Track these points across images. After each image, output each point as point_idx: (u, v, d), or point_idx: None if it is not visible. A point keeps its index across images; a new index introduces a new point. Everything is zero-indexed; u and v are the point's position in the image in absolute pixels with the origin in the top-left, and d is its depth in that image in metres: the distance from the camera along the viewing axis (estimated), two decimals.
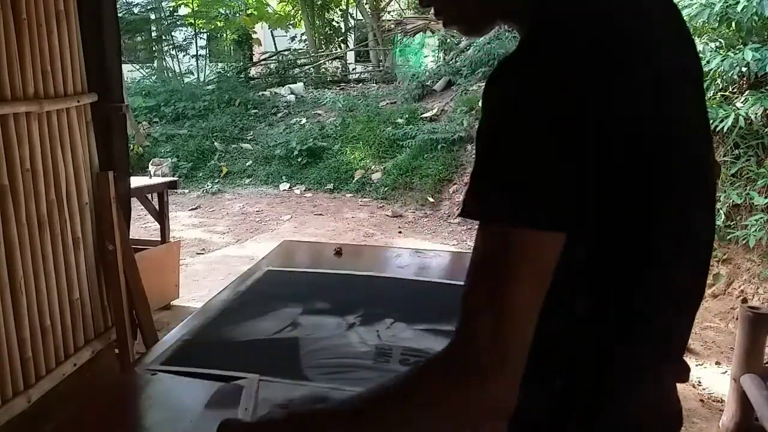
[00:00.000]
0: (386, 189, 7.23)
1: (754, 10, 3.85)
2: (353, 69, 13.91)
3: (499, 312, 0.58)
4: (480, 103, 0.65)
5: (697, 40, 3.67)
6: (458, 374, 0.59)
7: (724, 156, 4.10)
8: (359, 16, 14.85)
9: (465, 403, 0.59)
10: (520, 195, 0.59)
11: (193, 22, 12.23)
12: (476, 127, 0.65)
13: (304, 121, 9.29)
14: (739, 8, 3.87)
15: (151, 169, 7.93)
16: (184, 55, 12.31)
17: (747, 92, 4.10)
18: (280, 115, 9.81)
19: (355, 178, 7.64)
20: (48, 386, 2.14)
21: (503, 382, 0.58)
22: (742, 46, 4.02)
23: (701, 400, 2.86)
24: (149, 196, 3.90)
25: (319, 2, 14.44)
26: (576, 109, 0.59)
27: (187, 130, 9.21)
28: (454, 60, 9.30)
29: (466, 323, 0.60)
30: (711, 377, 3.07)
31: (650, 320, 0.68)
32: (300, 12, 14.42)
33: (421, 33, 11.08)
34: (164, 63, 12.53)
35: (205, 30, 12.79)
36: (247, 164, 8.47)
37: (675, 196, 0.66)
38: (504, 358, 0.58)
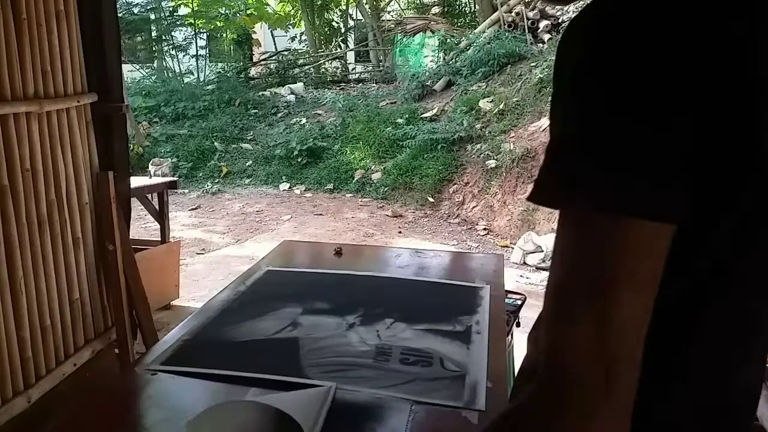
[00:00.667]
0: (386, 189, 7.23)
1: None
2: (353, 69, 13.93)
3: (607, 327, 0.46)
4: (559, 53, 0.52)
5: None
6: (556, 408, 0.48)
7: None
8: (359, 16, 14.86)
9: None
10: (637, 174, 0.46)
11: (193, 22, 12.24)
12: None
13: (304, 121, 9.30)
14: None
15: (151, 169, 7.93)
16: (184, 55, 12.33)
17: None
18: (280, 115, 9.82)
19: (355, 178, 7.64)
20: (48, 386, 2.14)
21: (611, 414, 0.47)
22: None
23: None
24: (149, 196, 3.90)
25: (318, 2, 14.45)
26: (728, 55, 0.46)
27: (187, 130, 9.22)
28: (454, 60, 9.30)
29: (562, 342, 0.48)
30: None
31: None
32: (300, 12, 14.43)
33: (421, 33, 11.09)
34: (164, 63, 12.55)
35: (204, 30, 12.80)
36: (247, 164, 8.47)
37: None
38: (611, 385, 0.46)
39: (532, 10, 9.26)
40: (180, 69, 12.12)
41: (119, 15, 3.17)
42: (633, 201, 0.46)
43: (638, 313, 0.47)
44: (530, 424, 0.50)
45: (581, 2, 0.64)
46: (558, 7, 6.68)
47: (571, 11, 8.16)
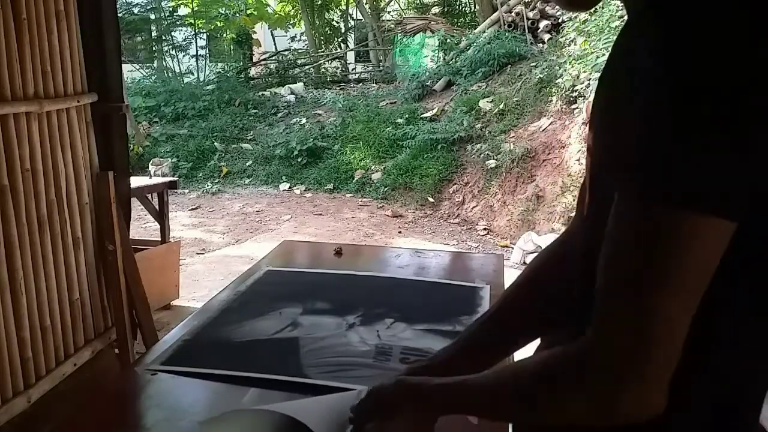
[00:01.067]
0: (386, 189, 7.23)
1: None
2: (353, 69, 13.93)
3: (650, 314, 0.51)
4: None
5: None
6: (593, 380, 0.54)
7: None
8: (359, 16, 14.86)
9: (595, 411, 0.55)
10: (704, 171, 0.49)
11: (192, 22, 12.24)
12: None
13: (304, 121, 9.30)
14: None
15: (151, 169, 7.94)
16: (184, 55, 12.33)
17: None
18: (280, 115, 9.82)
19: (355, 178, 7.64)
20: (48, 386, 2.14)
21: (642, 393, 0.53)
22: None
23: None
24: (149, 196, 3.90)
25: (318, 2, 14.45)
26: None
27: (187, 130, 9.22)
28: (454, 60, 9.30)
29: (608, 323, 0.54)
30: None
31: None
32: (300, 12, 14.43)
33: (421, 33, 11.09)
34: (164, 63, 12.55)
35: (204, 30, 12.80)
36: (247, 164, 8.47)
37: None
38: (643, 366, 0.52)
39: (532, 10, 9.26)
40: (180, 69, 12.12)
41: (119, 15, 3.17)
42: (696, 196, 0.50)
43: (685, 310, 0.51)
44: (569, 374, 0.56)
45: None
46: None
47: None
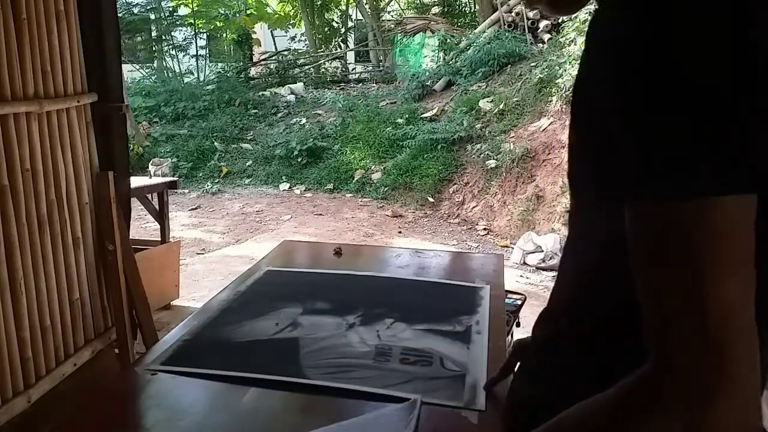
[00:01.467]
0: (386, 189, 7.23)
1: None
2: (353, 69, 13.93)
3: (706, 316, 0.46)
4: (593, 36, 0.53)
5: None
6: (677, 402, 0.47)
7: None
8: (359, 16, 14.86)
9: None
10: (706, 153, 0.45)
11: (192, 22, 12.24)
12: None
13: (304, 121, 9.30)
14: None
15: (151, 169, 7.94)
16: (184, 55, 12.34)
17: None
18: (280, 115, 9.83)
19: (355, 178, 7.65)
20: (48, 386, 2.14)
21: (735, 404, 0.46)
22: None
23: None
24: (149, 196, 3.90)
25: (318, 2, 14.45)
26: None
27: (187, 130, 9.23)
28: (454, 60, 9.30)
29: (666, 338, 0.48)
30: None
31: None
32: (300, 12, 14.44)
33: (421, 33, 11.09)
34: (164, 63, 12.56)
35: (204, 30, 12.81)
36: (247, 164, 8.47)
37: None
38: (728, 375, 0.46)
39: (533, 10, 9.26)
40: (180, 69, 12.12)
41: (119, 15, 3.17)
42: (707, 180, 0.45)
43: (736, 290, 0.46)
44: (650, 408, 0.49)
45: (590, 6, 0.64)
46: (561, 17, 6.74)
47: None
